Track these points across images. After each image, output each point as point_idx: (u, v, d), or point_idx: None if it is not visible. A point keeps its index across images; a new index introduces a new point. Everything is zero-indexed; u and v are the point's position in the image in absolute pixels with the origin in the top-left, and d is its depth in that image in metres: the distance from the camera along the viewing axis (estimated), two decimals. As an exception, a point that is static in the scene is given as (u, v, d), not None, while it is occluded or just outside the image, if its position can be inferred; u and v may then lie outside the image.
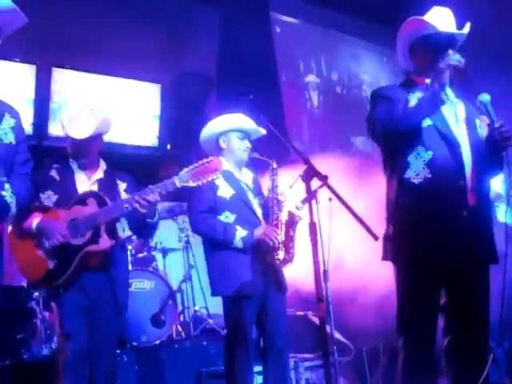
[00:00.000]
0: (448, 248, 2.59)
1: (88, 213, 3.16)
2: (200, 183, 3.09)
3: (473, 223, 2.62)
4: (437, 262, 2.61)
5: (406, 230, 2.68)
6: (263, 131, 3.70)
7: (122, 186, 3.43)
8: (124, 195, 3.34)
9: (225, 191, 3.57)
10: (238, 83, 5.70)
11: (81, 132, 3.28)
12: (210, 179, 3.11)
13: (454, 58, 2.61)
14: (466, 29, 2.79)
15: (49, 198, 3.29)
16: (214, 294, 3.61)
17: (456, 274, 2.65)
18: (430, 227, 2.61)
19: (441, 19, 2.76)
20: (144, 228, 3.39)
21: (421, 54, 2.80)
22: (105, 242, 3.17)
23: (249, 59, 5.77)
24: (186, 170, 3.10)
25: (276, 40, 6.47)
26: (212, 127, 3.70)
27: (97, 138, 3.36)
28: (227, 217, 3.54)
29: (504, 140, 2.60)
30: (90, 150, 3.35)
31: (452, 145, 2.66)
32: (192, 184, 3.09)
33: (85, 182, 3.35)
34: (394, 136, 2.65)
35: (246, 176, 3.75)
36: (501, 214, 3.41)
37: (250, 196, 3.67)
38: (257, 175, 3.83)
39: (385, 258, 2.77)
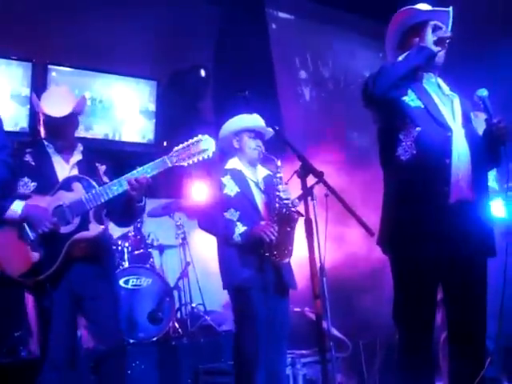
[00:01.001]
0: (446, 241, 2.58)
1: (74, 198, 2.97)
2: (191, 162, 3.03)
3: (471, 216, 2.61)
4: (434, 258, 2.60)
5: (395, 216, 2.69)
6: (270, 130, 3.74)
7: (101, 168, 3.24)
8: (105, 179, 3.16)
9: (230, 189, 3.67)
10: (234, 80, 5.70)
11: (58, 110, 3.08)
12: (201, 159, 3.05)
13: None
14: (449, 9, 2.81)
15: (25, 185, 3.05)
16: (223, 287, 3.71)
17: (454, 268, 2.64)
18: (425, 221, 2.60)
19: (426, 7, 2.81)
20: (130, 213, 3.17)
21: (411, 42, 2.80)
22: (95, 227, 3.01)
23: (245, 56, 5.76)
24: (176, 149, 3.03)
25: (272, 36, 6.46)
26: (227, 127, 3.84)
27: (74, 117, 3.18)
28: (232, 214, 3.65)
29: (502, 135, 2.61)
30: (67, 130, 3.15)
31: (441, 126, 2.65)
32: (183, 163, 3.02)
33: (63, 166, 3.15)
34: (384, 93, 2.65)
35: (260, 173, 3.84)
36: (496, 208, 3.40)
37: (256, 193, 3.74)
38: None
39: (379, 243, 2.78)
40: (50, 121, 3.11)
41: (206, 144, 3.05)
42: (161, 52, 6.12)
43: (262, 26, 6.38)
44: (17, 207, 2.94)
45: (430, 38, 2.70)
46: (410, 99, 2.70)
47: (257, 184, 3.79)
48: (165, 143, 6.21)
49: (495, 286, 2.74)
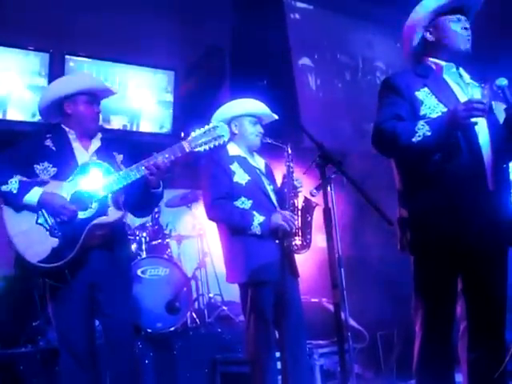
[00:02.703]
0: (466, 231, 2.54)
1: (92, 183, 2.96)
2: (207, 148, 3.01)
3: (492, 206, 2.57)
4: (453, 247, 2.57)
5: (420, 213, 2.64)
6: (275, 116, 3.68)
7: (119, 157, 3.21)
8: (122, 168, 3.10)
9: (241, 177, 3.53)
10: (251, 70, 5.67)
11: (69, 88, 3.12)
12: (217, 144, 3.02)
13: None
14: None
15: (46, 169, 3.04)
16: (230, 280, 3.57)
17: (473, 259, 2.61)
18: (445, 210, 2.56)
19: None
20: (148, 200, 3.16)
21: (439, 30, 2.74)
22: (114, 213, 2.98)
23: (263, 45, 5.73)
24: (193, 134, 3.01)
25: (290, 26, 6.42)
26: (224, 112, 3.67)
27: (92, 99, 3.18)
28: (243, 203, 3.50)
29: None
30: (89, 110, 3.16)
31: (468, 129, 2.59)
32: (200, 149, 3.00)
33: (83, 153, 3.13)
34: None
35: (259, 162, 3.74)
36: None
37: (265, 182, 3.65)
38: (268, 161, 3.80)
39: (402, 247, 2.74)
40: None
41: (222, 130, 3.04)
42: (178, 42, 6.13)
43: (280, 15, 6.35)
44: (33, 196, 2.94)
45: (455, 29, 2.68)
46: (429, 108, 2.64)
47: (261, 172, 3.68)
48: (182, 134, 6.20)
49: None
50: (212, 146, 3.02)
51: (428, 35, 2.77)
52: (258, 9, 6.10)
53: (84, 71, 5.59)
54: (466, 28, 2.73)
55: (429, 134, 2.51)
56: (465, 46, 2.72)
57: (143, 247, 4.96)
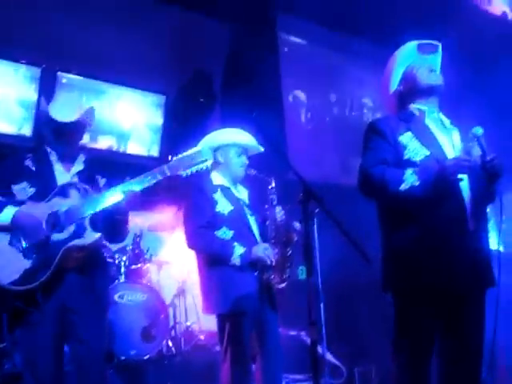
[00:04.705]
0: (446, 271, 2.58)
1: (70, 205, 2.90)
2: (189, 172, 2.98)
3: (472, 248, 2.62)
4: (434, 287, 2.60)
5: (401, 253, 2.67)
6: (261, 148, 3.68)
7: (102, 181, 3.16)
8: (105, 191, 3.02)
9: (223, 207, 3.51)
10: (242, 100, 5.69)
11: (65, 115, 3.03)
12: (199, 169, 3.00)
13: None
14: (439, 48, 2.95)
15: (23, 189, 2.98)
16: (207, 311, 3.53)
17: (453, 299, 2.64)
18: (426, 250, 2.60)
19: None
20: (118, 226, 3.10)
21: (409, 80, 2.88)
22: (90, 235, 2.93)
23: (255, 75, 5.76)
24: (175, 158, 2.99)
25: (282, 59, 6.47)
26: (210, 140, 3.66)
27: (80, 125, 3.11)
28: (225, 233, 3.48)
29: (495, 173, 2.63)
30: (71, 137, 3.09)
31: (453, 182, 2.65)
32: (182, 173, 2.97)
33: (64, 174, 3.08)
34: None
35: (242, 192, 3.73)
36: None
37: (248, 213, 3.64)
38: (252, 192, 3.80)
39: (383, 286, 2.75)
40: (55, 126, 3.07)
41: (205, 155, 3.05)
42: (172, 67, 6.15)
43: (273, 48, 6.40)
44: (6, 216, 2.88)
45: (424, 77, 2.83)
46: (413, 151, 2.71)
47: (244, 203, 3.67)
48: (170, 158, 6.19)
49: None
50: (195, 171, 3.00)
51: (401, 88, 2.90)
52: (253, 39, 6.15)
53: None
54: (431, 68, 2.87)
55: (416, 184, 2.59)
56: (435, 81, 2.85)
57: (122, 271, 4.90)
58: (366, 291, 4.91)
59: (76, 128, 3.10)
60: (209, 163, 3.05)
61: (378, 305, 3.44)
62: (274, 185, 3.62)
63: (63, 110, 3.08)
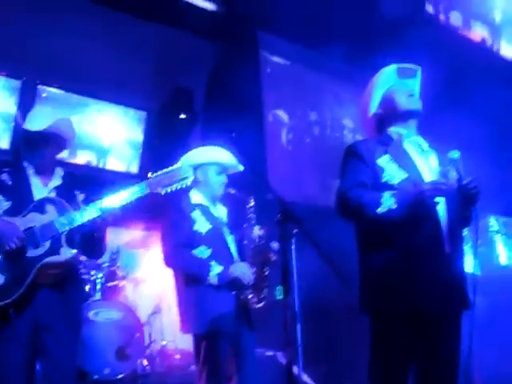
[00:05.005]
0: (422, 293, 2.59)
1: (46, 221, 2.86)
2: (169, 190, 2.95)
3: (448, 271, 2.64)
4: (410, 309, 2.60)
5: (377, 274, 2.67)
6: (241, 168, 3.68)
7: (80, 196, 3.10)
8: (82, 207, 2.98)
9: (201, 225, 3.50)
10: (223, 118, 5.69)
11: (37, 125, 3.00)
12: (179, 187, 2.97)
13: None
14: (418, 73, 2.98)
15: None
16: (184, 331, 3.50)
17: (428, 321, 2.64)
18: (403, 272, 2.61)
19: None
20: (96, 243, 3.06)
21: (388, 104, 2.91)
22: (66, 252, 2.88)
23: (236, 94, 5.77)
24: (154, 175, 2.95)
25: (264, 78, 6.50)
26: (190, 158, 3.64)
27: (55, 137, 3.06)
28: (202, 252, 3.46)
29: (472, 196, 2.66)
30: (44, 150, 3.05)
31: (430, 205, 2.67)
32: (161, 191, 2.94)
33: (41, 189, 3.03)
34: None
35: (221, 211, 3.72)
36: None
37: (226, 232, 3.63)
38: (230, 211, 3.79)
39: (360, 307, 2.75)
40: (27, 135, 3.04)
41: (185, 172, 2.99)
42: (154, 83, 6.15)
43: (255, 67, 6.43)
44: None
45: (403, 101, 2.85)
46: (391, 174, 2.72)
47: (223, 222, 3.66)
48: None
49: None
50: (174, 189, 2.97)
51: (380, 111, 2.92)
52: (235, 57, 6.18)
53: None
54: (411, 95, 2.89)
55: (394, 207, 2.59)
56: (413, 106, 2.87)
57: (98, 288, 4.83)
58: (344, 312, 4.90)
59: (47, 138, 3.05)
60: (189, 181, 3.01)
61: (356, 326, 3.43)
62: (252, 204, 3.61)
63: (36, 120, 3.05)
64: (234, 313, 3.43)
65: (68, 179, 3.16)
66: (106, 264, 5.03)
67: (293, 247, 3.10)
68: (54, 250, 2.87)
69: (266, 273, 3.58)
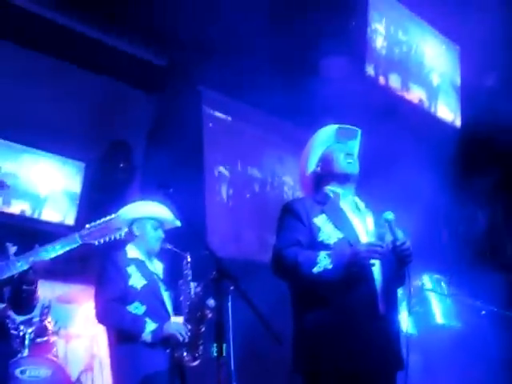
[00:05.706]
0: (355, 354, 2.57)
1: None
2: (102, 241, 2.91)
3: (382, 332, 2.63)
4: (342, 370, 2.57)
5: (310, 334, 2.65)
6: (178, 223, 3.66)
7: (12, 249, 3.01)
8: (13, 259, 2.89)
9: (136, 281, 3.45)
10: (162, 172, 5.68)
11: None
12: (112, 238, 2.94)
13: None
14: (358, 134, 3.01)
15: None
16: None
17: (362, 382, 2.60)
18: (336, 332, 2.60)
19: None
20: (25, 297, 2.94)
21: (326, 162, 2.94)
22: None
23: (177, 149, 5.78)
24: (88, 226, 2.92)
25: (206, 134, 6.55)
26: (127, 212, 3.63)
27: None
28: (137, 308, 3.41)
29: (405, 257, 2.69)
30: None
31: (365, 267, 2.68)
32: (94, 241, 2.90)
33: None
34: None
35: (157, 266, 3.69)
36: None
37: (162, 288, 3.58)
38: (167, 266, 3.75)
39: (293, 367, 2.71)
40: None
41: (118, 223, 2.96)
42: (92, 134, 6.09)
43: (197, 122, 6.47)
44: None
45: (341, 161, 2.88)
46: (327, 234, 2.73)
47: (159, 277, 3.63)
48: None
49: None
50: (107, 239, 2.93)
51: (318, 169, 2.96)
52: (176, 111, 6.20)
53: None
54: (349, 154, 2.92)
55: (329, 267, 2.59)
56: (351, 170, 2.90)
57: (26, 344, 4.62)
58: (280, 370, 4.85)
59: None
60: (122, 232, 2.98)
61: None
62: (189, 260, 3.59)
63: None
64: (168, 371, 3.37)
65: (1, 231, 3.07)
66: (37, 319, 4.83)
67: (229, 304, 3.07)
68: None
69: (202, 330, 3.54)
